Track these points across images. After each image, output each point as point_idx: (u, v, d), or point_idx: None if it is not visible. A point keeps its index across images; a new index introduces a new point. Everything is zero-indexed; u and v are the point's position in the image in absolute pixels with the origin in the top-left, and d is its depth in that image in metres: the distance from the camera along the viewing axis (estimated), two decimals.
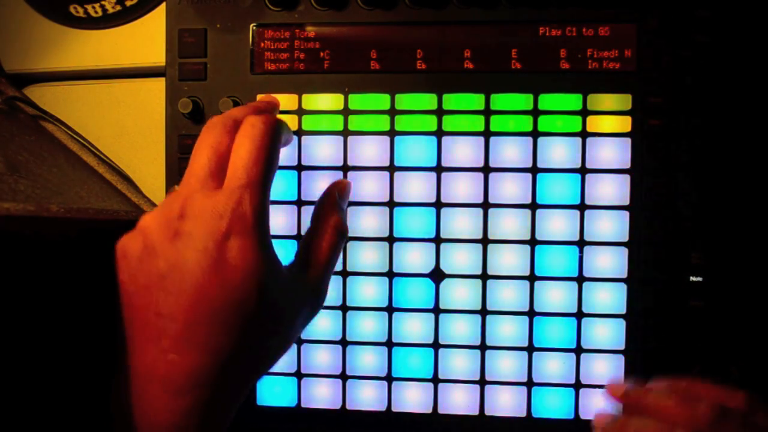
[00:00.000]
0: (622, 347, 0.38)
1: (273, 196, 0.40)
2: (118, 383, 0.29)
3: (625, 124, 0.38)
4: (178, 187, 0.32)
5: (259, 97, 0.40)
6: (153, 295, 0.28)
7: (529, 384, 0.39)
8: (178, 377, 0.27)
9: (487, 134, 0.39)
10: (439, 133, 0.39)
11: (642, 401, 0.32)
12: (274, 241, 0.40)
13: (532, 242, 0.38)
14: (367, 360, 0.39)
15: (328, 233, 0.34)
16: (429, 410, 0.39)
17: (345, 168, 0.39)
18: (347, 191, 0.38)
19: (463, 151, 0.39)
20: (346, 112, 0.39)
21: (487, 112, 0.39)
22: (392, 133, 0.39)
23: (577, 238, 0.38)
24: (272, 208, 0.40)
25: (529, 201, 0.38)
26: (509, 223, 0.38)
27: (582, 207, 0.38)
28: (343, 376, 0.40)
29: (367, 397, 0.40)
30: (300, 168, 0.40)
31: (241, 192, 0.29)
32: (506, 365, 0.39)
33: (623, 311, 0.38)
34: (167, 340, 0.28)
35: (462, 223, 0.39)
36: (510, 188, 0.38)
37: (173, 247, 0.28)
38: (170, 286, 0.28)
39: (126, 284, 0.29)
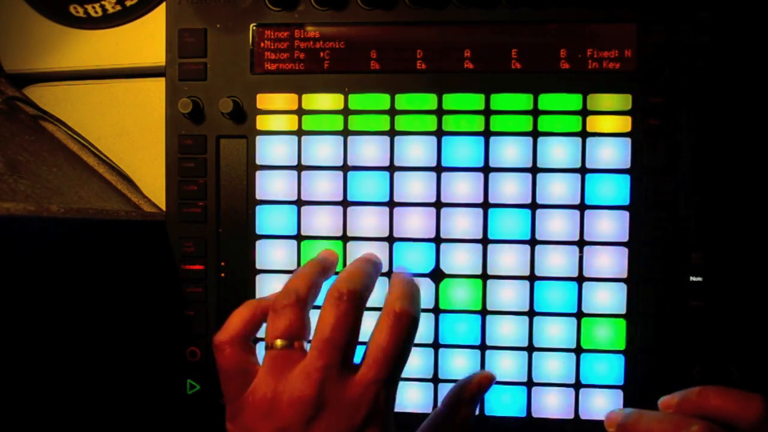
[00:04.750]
0: (623, 347, 0.38)
1: (273, 196, 0.40)
2: None
3: (625, 124, 0.38)
4: (312, 351, 0.30)
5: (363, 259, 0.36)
6: None
7: (529, 384, 0.39)
8: None
9: (487, 134, 0.39)
10: (439, 133, 0.39)
11: (634, 428, 0.31)
12: (273, 241, 0.40)
13: (532, 242, 0.38)
14: None
15: (456, 425, 0.34)
16: (429, 410, 0.39)
17: (345, 168, 0.39)
18: (489, 386, 0.36)
19: (463, 151, 0.39)
20: (346, 112, 0.39)
21: (487, 112, 0.39)
22: (392, 133, 0.39)
23: (577, 238, 0.38)
24: (272, 209, 0.40)
25: (529, 201, 0.38)
26: (509, 223, 0.38)
27: (582, 207, 0.38)
28: None
29: None
30: (300, 168, 0.40)
31: (380, 384, 0.29)
32: (506, 365, 0.39)
33: (623, 311, 0.38)
34: None
35: (462, 223, 0.39)
36: (510, 188, 0.38)
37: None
38: None
39: None
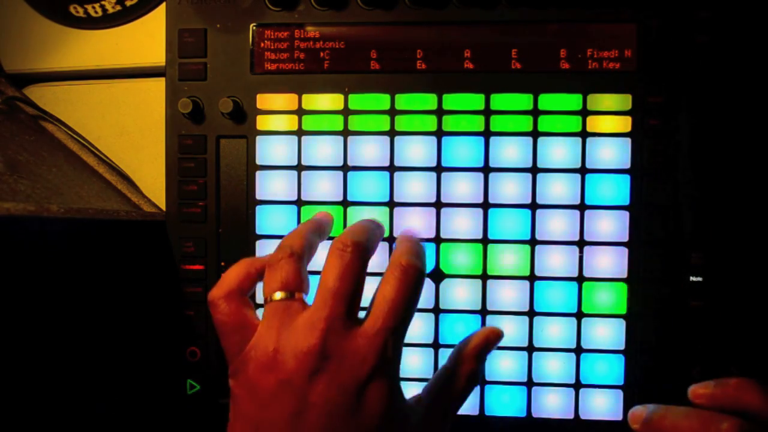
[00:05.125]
0: (622, 347, 0.38)
1: (273, 197, 0.40)
2: None
3: (625, 124, 0.38)
4: (316, 302, 0.30)
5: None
6: (283, 430, 0.28)
7: (529, 384, 0.39)
8: None
9: (487, 134, 0.39)
10: (439, 133, 0.39)
11: (660, 425, 0.30)
12: (273, 241, 0.40)
13: (532, 242, 0.38)
14: None
15: (462, 379, 0.33)
16: None
17: (345, 168, 0.39)
18: (496, 342, 0.35)
19: (463, 151, 0.39)
20: (346, 112, 0.39)
21: (487, 112, 0.39)
22: (392, 133, 0.39)
23: (577, 238, 0.38)
24: (272, 209, 0.40)
25: (529, 201, 0.38)
26: (509, 223, 0.38)
27: (582, 207, 0.38)
28: None
29: None
30: (300, 168, 0.40)
31: (387, 336, 0.29)
32: (506, 365, 0.39)
33: (623, 312, 0.38)
34: None
35: (462, 223, 0.39)
36: (510, 188, 0.38)
37: (312, 386, 0.28)
38: (304, 423, 0.28)
39: (252, 415, 0.29)
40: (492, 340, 0.34)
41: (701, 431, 0.28)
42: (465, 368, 0.33)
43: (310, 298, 0.31)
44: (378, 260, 0.37)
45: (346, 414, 0.28)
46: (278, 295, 0.30)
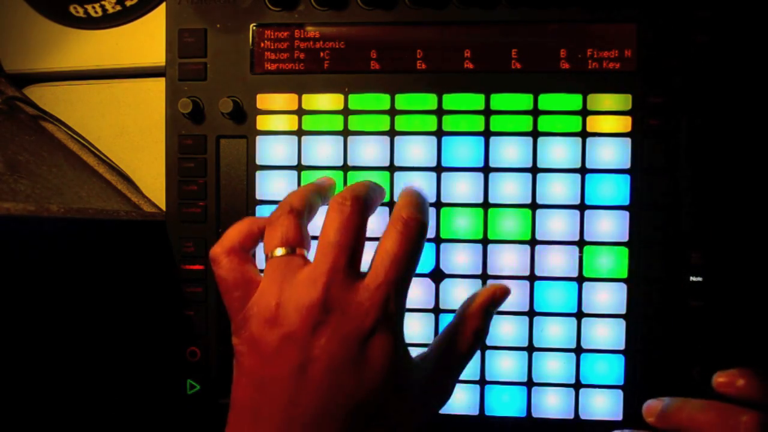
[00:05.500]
0: (622, 347, 0.38)
1: (273, 197, 0.40)
2: None
3: (625, 124, 0.38)
4: (317, 256, 0.29)
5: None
6: (287, 383, 0.28)
7: (529, 384, 0.39)
8: None
9: (487, 134, 0.39)
10: (439, 133, 0.39)
11: (676, 418, 0.30)
12: None
13: (532, 242, 0.38)
14: None
15: (468, 335, 0.32)
16: None
17: (345, 168, 0.39)
18: (503, 298, 0.34)
19: (463, 151, 0.39)
20: (346, 112, 0.39)
21: (487, 112, 0.39)
22: (392, 133, 0.39)
23: (577, 238, 0.38)
24: (272, 208, 0.40)
25: (529, 201, 0.38)
26: (509, 223, 0.38)
27: (582, 207, 0.38)
28: None
29: None
30: (300, 168, 0.40)
31: (389, 288, 0.29)
32: (506, 365, 0.39)
33: (623, 311, 0.38)
34: (296, 428, 0.27)
35: (462, 223, 0.39)
36: (510, 188, 0.38)
37: (315, 339, 0.28)
38: (308, 377, 0.28)
39: (255, 371, 0.29)
40: (498, 296, 0.34)
41: (720, 424, 0.28)
42: (471, 325, 0.32)
43: (311, 258, 0.31)
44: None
45: (349, 367, 0.28)
46: (279, 251, 0.30)
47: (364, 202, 0.30)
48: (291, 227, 0.30)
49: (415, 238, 0.30)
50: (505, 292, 0.34)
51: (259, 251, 0.32)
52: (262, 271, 0.31)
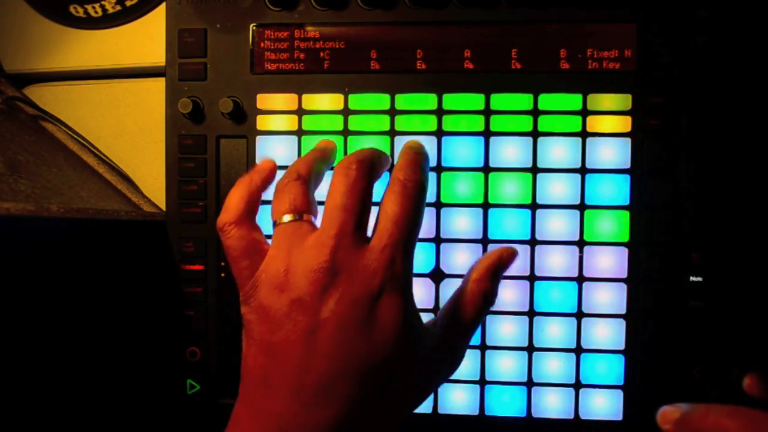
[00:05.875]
0: (622, 347, 0.38)
1: (272, 197, 0.40)
2: (240, 428, 0.29)
3: (625, 124, 0.38)
4: (324, 221, 0.30)
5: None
6: (297, 348, 0.28)
7: (529, 384, 0.39)
8: (315, 428, 0.27)
9: (487, 134, 0.39)
10: (439, 133, 0.39)
11: (701, 425, 0.27)
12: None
13: (532, 242, 0.38)
14: None
15: (477, 298, 0.33)
16: (429, 410, 0.39)
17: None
18: (510, 261, 0.35)
19: (463, 151, 0.39)
20: (346, 112, 0.39)
21: (487, 112, 0.39)
22: (392, 134, 0.39)
23: (577, 238, 0.38)
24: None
25: (529, 201, 0.38)
26: (509, 224, 0.38)
27: (582, 207, 0.38)
28: None
29: None
30: None
31: (394, 250, 0.29)
32: (506, 365, 0.39)
33: (623, 311, 0.38)
34: (308, 392, 0.28)
35: (462, 223, 0.39)
36: (510, 188, 0.38)
37: (323, 302, 0.28)
38: (318, 341, 0.28)
39: (265, 337, 0.29)
40: (505, 258, 0.34)
41: (752, 430, 0.26)
42: (480, 287, 0.33)
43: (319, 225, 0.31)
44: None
45: (359, 329, 0.28)
46: (287, 217, 0.30)
47: (369, 165, 0.31)
48: (298, 194, 0.31)
49: (414, 199, 0.30)
50: (512, 254, 0.34)
51: (263, 219, 0.33)
52: (268, 237, 0.31)
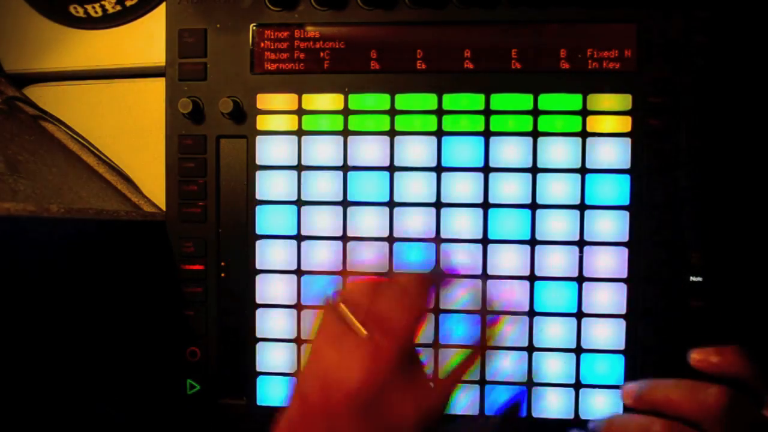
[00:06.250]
0: (622, 347, 0.38)
1: (273, 197, 0.40)
2: None
3: (625, 124, 0.38)
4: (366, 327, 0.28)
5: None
6: None
7: (529, 384, 0.39)
8: None
9: (487, 134, 0.39)
10: (439, 133, 0.39)
11: (651, 398, 0.31)
12: (273, 241, 0.40)
13: (532, 242, 0.38)
14: None
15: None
16: None
17: (345, 168, 0.39)
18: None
19: (463, 151, 0.39)
20: (346, 112, 0.39)
21: (487, 112, 0.39)
22: (392, 133, 0.39)
23: (577, 238, 0.38)
24: (272, 209, 0.40)
25: (529, 201, 0.38)
26: (509, 223, 0.38)
27: (582, 207, 0.38)
28: None
29: None
30: (300, 168, 0.40)
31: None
32: (506, 365, 0.39)
33: (623, 311, 0.38)
34: None
35: (462, 223, 0.39)
36: (510, 188, 0.38)
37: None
38: None
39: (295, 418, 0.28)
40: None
41: (690, 398, 0.29)
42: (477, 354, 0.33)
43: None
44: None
45: None
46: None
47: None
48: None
49: (385, 362, 0.28)
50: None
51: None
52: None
